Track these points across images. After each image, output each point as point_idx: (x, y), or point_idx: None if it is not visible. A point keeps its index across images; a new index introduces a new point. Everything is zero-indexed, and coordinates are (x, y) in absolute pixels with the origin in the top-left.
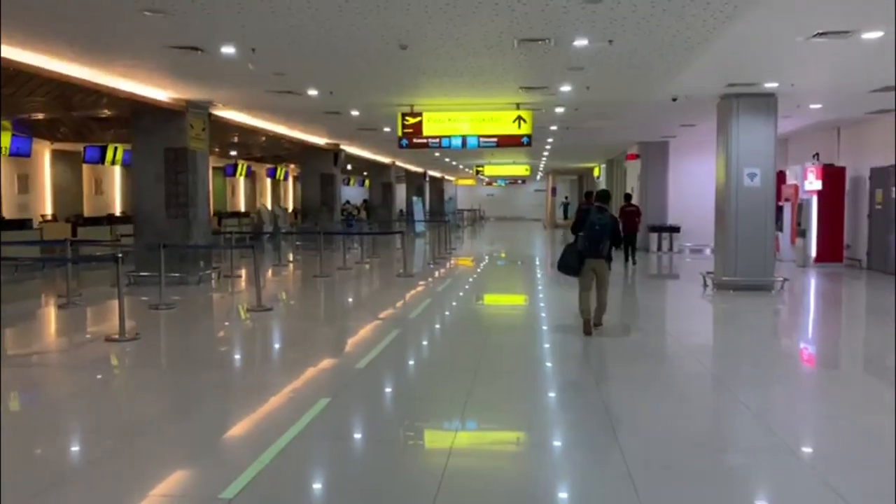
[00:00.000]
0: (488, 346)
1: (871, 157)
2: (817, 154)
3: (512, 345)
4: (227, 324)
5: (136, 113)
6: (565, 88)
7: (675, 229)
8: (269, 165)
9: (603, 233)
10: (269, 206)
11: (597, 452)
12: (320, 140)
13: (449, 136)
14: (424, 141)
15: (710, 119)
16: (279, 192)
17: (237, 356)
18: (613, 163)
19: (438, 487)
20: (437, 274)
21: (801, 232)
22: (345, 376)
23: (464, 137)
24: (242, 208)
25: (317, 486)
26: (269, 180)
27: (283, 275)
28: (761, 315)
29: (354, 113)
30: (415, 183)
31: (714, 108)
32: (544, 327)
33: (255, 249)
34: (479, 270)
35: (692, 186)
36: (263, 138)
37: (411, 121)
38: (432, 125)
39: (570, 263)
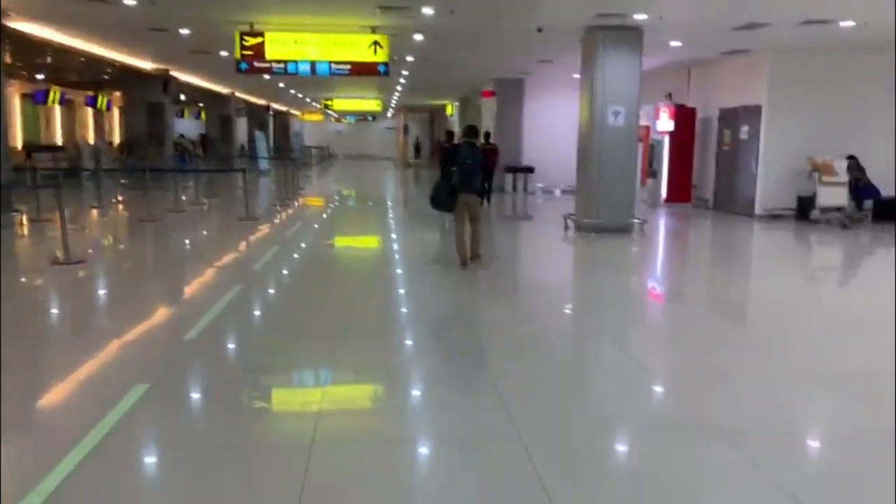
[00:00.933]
0: (347, 301)
1: (719, 98)
2: (670, 94)
3: (371, 295)
4: (19, 281)
5: None
6: (427, 11)
7: (530, 170)
8: (89, 93)
9: (475, 167)
10: (89, 139)
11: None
12: (146, 64)
13: (295, 61)
14: (267, 65)
15: (568, 55)
16: (103, 124)
17: (26, 327)
18: (467, 101)
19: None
20: (284, 216)
21: (651, 173)
22: (170, 351)
23: (312, 63)
24: (59, 141)
25: None
26: (90, 110)
27: (104, 220)
28: (620, 255)
29: (185, 31)
30: (257, 117)
31: (576, 43)
32: (398, 270)
33: (58, 189)
34: (330, 212)
35: (545, 127)
36: (82, 59)
37: (251, 41)
38: (276, 47)
39: (443, 199)
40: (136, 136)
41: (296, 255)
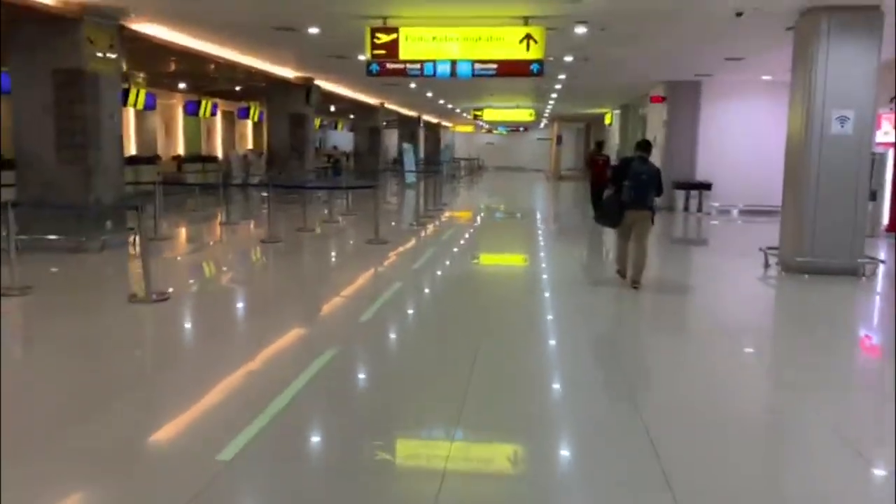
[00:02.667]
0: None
1: None
2: (894, 98)
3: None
4: (86, 321)
5: (13, 20)
6: None
7: (706, 186)
8: (242, 104)
9: (650, 183)
10: (239, 150)
11: None
12: (288, 72)
13: (433, 61)
14: (401, 66)
15: (764, 51)
16: (258, 136)
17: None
18: (629, 109)
19: None
20: (417, 239)
21: (871, 194)
22: (208, 467)
23: (453, 62)
24: (220, 153)
25: None
26: (249, 122)
27: (224, 240)
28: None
29: (314, 30)
30: (408, 128)
31: (781, 33)
32: (548, 294)
33: (139, 211)
34: (469, 234)
35: (725, 137)
36: (213, 66)
37: (384, 38)
38: (412, 45)
39: (610, 214)
40: (279, 147)
41: (415, 301)
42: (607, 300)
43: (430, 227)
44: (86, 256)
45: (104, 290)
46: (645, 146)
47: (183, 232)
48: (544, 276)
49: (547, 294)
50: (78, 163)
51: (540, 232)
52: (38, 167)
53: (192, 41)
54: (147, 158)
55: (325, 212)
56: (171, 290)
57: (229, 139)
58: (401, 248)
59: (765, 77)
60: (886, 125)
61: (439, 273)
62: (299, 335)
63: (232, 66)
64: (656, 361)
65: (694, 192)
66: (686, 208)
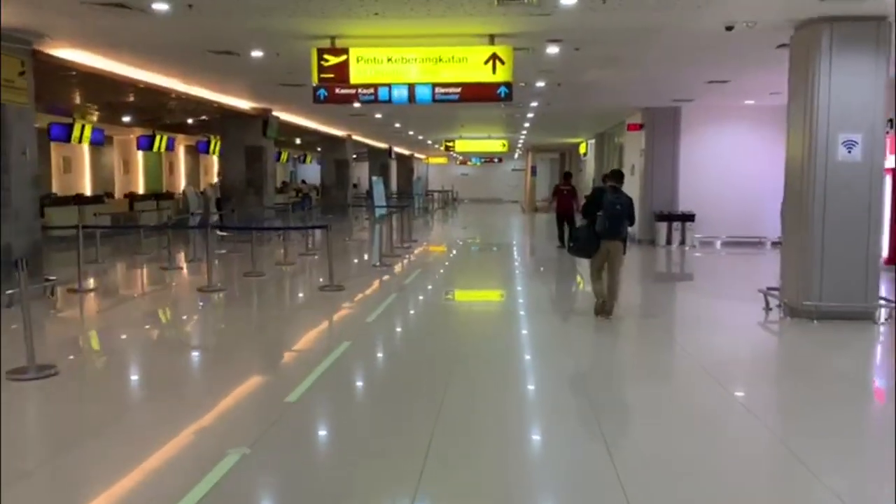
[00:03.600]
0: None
1: None
2: (892, 120)
3: None
4: None
5: None
6: (567, 2)
7: (689, 217)
8: (200, 138)
9: (624, 213)
10: (201, 186)
11: None
12: (243, 103)
13: (388, 85)
14: (352, 91)
15: (751, 72)
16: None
17: None
18: (604, 137)
19: None
20: (380, 281)
21: None
22: None
23: (411, 87)
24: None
25: None
26: (213, 157)
27: (157, 289)
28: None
29: (257, 53)
30: (378, 161)
31: (769, 52)
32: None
33: (19, 267)
34: (437, 273)
35: (708, 164)
36: (156, 96)
37: (332, 60)
38: (364, 68)
39: (585, 245)
40: (235, 182)
41: (370, 349)
42: (589, 340)
43: (397, 267)
44: None
45: None
46: (617, 176)
47: (113, 280)
48: (519, 312)
49: (524, 331)
50: None
51: (511, 265)
52: None
53: (124, 68)
54: (94, 197)
55: (282, 252)
56: (57, 364)
57: (194, 174)
58: (358, 295)
59: (747, 101)
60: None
61: (397, 325)
62: (196, 435)
63: (178, 97)
64: (639, 413)
65: (677, 224)
66: (669, 241)
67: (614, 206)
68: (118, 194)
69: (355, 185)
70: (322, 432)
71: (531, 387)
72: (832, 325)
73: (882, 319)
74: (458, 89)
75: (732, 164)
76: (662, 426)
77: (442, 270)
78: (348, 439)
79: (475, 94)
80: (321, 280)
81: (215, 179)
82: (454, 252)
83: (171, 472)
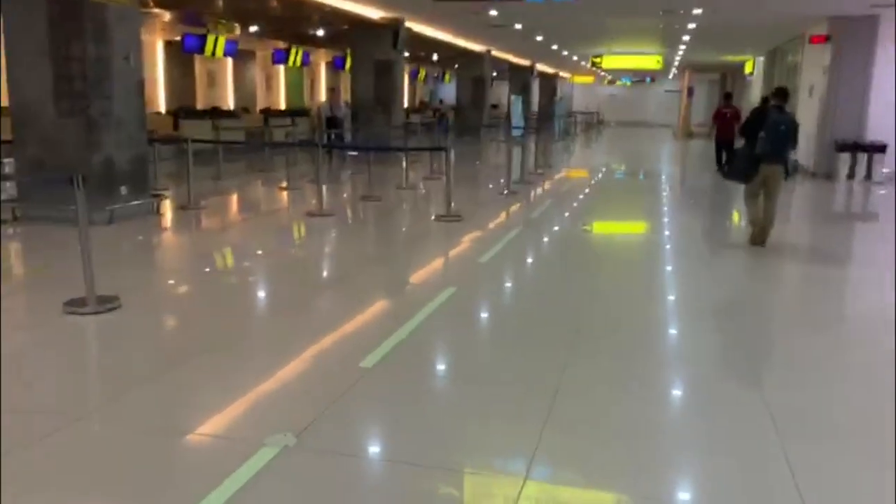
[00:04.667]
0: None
1: None
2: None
3: None
4: None
5: None
6: None
7: (880, 148)
8: (337, 53)
9: (788, 134)
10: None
11: None
12: (372, 12)
13: None
14: None
15: None
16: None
17: None
18: (776, 55)
19: None
20: (504, 213)
21: None
22: None
23: None
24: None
25: None
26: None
27: (266, 211)
28: None
29: None
30: (520, 79)
31: None
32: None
33: (76, 182)
34: (569, 209)
35: None
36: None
37: None
38: None
39: (741, 168)
40: (363, 100)
41: (480, 296)
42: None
43: (527, 196)
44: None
45: (48, 287)
46: (782, 94)
47: (225, 200)
48: (662, 250)
49: (668, 268)
50: (78, 115)
51: (657, 196)
52: (34, 122)
53: None
54: (230, 112)
55: (405, 175)
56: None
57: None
58: (477, 228)
59: None
60: None
61: (514, 268)
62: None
63: (305, 3)
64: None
65: (862, 156)
66: (851, 175)
67: (778, 126)
68: (258, 110)
69: (495, 106)
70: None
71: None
72: None
73: None
74: None
75: None
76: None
77: (575, 204)
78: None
79: None
80: (439, 209)
81: (346, 96)
82: (592, 181)
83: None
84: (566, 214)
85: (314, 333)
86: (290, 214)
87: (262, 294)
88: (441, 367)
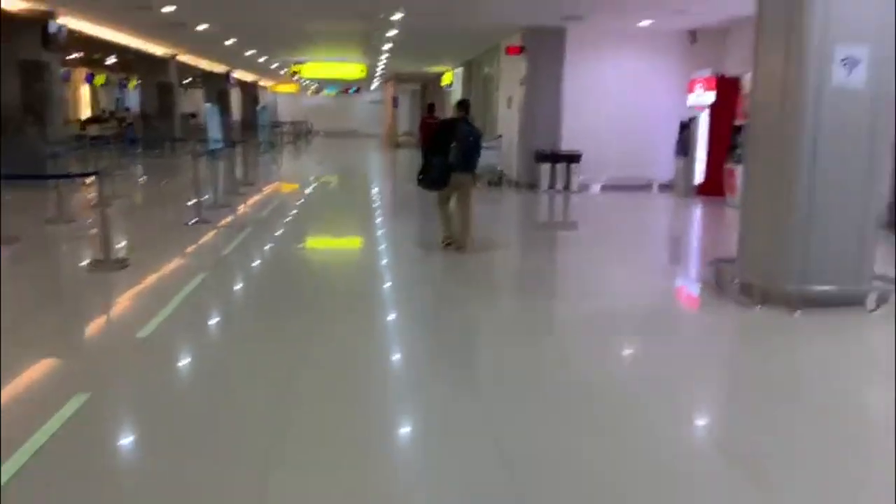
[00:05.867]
0: None
1: None
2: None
3: None
4: None
5: None
6: None
7: (575, 158)
8: None
9: (477, 145)
10: None
11: None
12: (12, 2)
13: None
14: None
15: None
16: None
17: None
18: (472, 66)
19: None
20: (188, 249)
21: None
22: None
23: None
24: None
25: None
26: None
27: None
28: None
29: None
30: (214, 87)
31: None
32: None
33: None
34: (271, 236)
35: (593, 98)
36: None
37: None
38: None
39: (435, 177)
40: (8, 110)
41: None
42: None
43: (219, 225)
44: None
45: None
46: (466, 106)
47: None
48: (373, 269)
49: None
50: None
51: (365, 206)
52: None
53: None
54: None
55: (62, 204)
56: None
57: None
58: (141, 281)
59: (643, 23)
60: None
61: (183, 348)
62: None
63: None
64: None
65: (560, 167)
66: (552, 185)
67: (467, 137)
68: None
69: (193, 116)
70: None
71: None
72: (817, 314)
73: (874, 304)
74: None
75: (620, 97)
76: None
77: (280, 231)
78: None
79: None
80: (97, 252)
81: None
82: (300, 199)
83: None
84: (267, 245)
85: None
86: None
87: None
88: None
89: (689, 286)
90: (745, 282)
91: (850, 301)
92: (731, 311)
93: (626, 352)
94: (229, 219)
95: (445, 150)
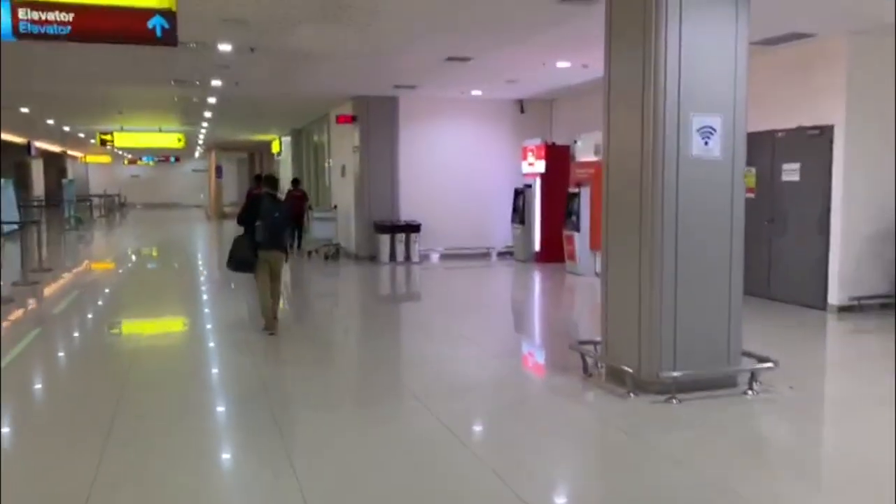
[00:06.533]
0: None
1: None
2: None
3: None
4: None
5: None
6: None
7: (414, 228)
8: None
9: (285, 222)
10: None
11: None
12: None
13: None
14: None
15: (507, 47)
16: None
17: None
18: (301, 135)
19: None
20: None
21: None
22: None
23: None
24: None
25: None
26: None
27: None
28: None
29: None
30: (11, 159)
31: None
32: None
33: None
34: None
35: (427, 167)
36: None
37: None
38: None
39: (245, 258)
40: None
41: None
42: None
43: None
44: None
45: None
46: (272, 182)
47: None
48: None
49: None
50: None
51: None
52: None
53: None
54: None
55: None
56: None
57: None
58: None
59: (475, 92)
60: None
61: None
62: None
63: None
64: None
65: (400, 237)
66: (393, 257)
67: (272, 213)
68: None
69: None
70: None
71: None
72: (691, 399)
73: (747, 387)
74: (71, 16)
75: (456, 165)
76: None
77: (70, 329)
78: None
79: (109, 26)
80: None
81: None
82: (103, 284)
83: None
84: (51, 352)
85: None
86: None
87: None
88: None
89: (551, 372)
90: (613, 366)
91: (722, 384)
92: (603, 400)
93: (491, 465)
94: (13, 315)
95: (252, 228)
